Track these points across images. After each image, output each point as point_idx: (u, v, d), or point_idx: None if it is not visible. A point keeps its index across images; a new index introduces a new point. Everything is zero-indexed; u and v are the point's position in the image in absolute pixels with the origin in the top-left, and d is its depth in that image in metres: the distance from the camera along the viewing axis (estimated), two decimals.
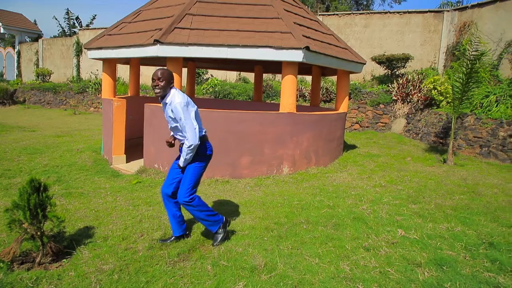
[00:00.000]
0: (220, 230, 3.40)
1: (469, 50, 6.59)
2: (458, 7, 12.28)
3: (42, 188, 3.18)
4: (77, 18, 25.01)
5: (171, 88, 3.14)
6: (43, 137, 9.96)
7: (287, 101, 5.89)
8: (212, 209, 3.38)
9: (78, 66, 22.95)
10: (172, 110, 3.11)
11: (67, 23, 25.52)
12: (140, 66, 8.92)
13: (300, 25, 6.16)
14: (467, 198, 4.91)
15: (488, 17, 10.73)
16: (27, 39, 26.39)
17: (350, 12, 14.03)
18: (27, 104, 20.49)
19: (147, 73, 15.99)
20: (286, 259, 3.04)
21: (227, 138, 5.62)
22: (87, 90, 19.61)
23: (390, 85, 12.11)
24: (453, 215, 4.18)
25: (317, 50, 5.74)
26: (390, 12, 13.22)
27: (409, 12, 12.88)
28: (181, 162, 3.23)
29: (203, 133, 3.32)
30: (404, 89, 11.41)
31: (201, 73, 17.58)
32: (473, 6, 11.19)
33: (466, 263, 3.02)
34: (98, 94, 19.09)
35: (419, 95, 11.02)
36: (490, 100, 8.34)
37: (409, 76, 11.58)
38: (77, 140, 9.63)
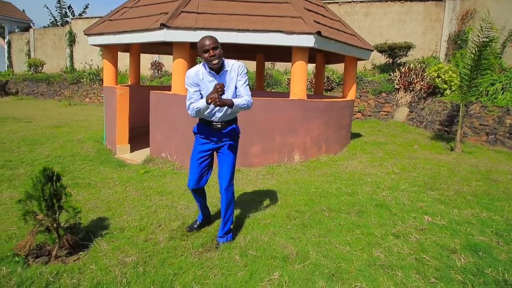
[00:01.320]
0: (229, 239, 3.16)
1: (479, 36, 6.48)
2: None
3: (55, 178, 3.00)
4: (69, 7, 24.41)
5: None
6: (41, 128, 9.68)
7: (298, 88, 5.74)
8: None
9: (71, 56, 22.42)
10: (239, 74, 2.92)
11: (59, 12, 24.89)
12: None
13: (309, 10, 5.98)
14: (484, 184, 4.85)
15: (490, 5, 10.63)
16: (17, 29, 25.70)
17: (351, 0, 13.83)
18: (20, 95, 20.01)
19: (143, 63, 15.67)
20: (316, 248, 2.93)
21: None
22: (82, 80, 19.20)
23: (392, 74, 12.01)
24: (475, 201, 4.11)
25: (328, 35, 5.58)
26: (391, 0, 13.06)
27: (410, 1, 12.74)
28: (236, 101, 2.87)
29: None
30: (407, 77, 11.32)
31: (197, 62, 17.29)
32: None
33: (500, 248, 2.94)
34: (93, 85, 18.71)
35: (422, 83, 10.94)
36: (496, 88, 8.28)
37: (411, 65, 11.47)
38: (76, 131, 9.38)
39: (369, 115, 12.07)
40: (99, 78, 18.61)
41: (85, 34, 6.70)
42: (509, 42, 9.79)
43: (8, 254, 2.87)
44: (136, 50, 8.41)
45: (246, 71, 2.99)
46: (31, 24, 25.44)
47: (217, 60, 2.81)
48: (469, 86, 7.03)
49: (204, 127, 3.10)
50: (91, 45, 6.82)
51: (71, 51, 22.45)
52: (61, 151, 6.84)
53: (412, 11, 12.77)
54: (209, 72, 2.93)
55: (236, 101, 2.86)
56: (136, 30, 5.60)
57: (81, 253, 3.03)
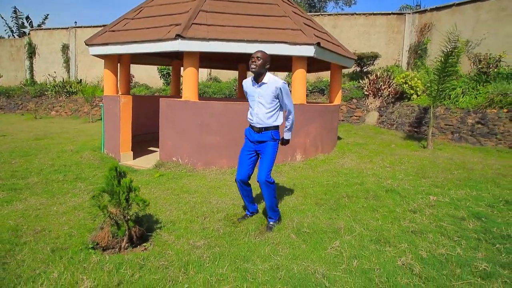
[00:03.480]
0: (278, 220, 3.63)
1: (446, 46, 7.49)
2: (418, 10, 13.55)
3: (122, 174, 3.30)
4: (27, 17, 23.40)
5: (266, 70, 3.39)
6: (21, 141, 9.47)
7: (299, 93, 6.32)
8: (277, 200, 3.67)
9: (31, 68, 21.56)
10: (276, 88, 3.37)
11: (15, 23, 23.78)
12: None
13: (306, 24, 6.63)
14: (464, 172, 5.69)
15: (445, 19, 12.03)
16: None
17: (319, 13, 14.83)
18: None
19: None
20: (355, 224, 3.47)
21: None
22: (46, 93, 18.57)
23: (361, 81, 13.05)
24: (463, 184, 4.88)
25: (324, 46, 6.25)
26: (357, 14, 14.22)
27: (374, 14, 13.96)
28: (287, 136, 3.65)
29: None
30: (375, 84, 12.38)
31: (170, 73, 17.45)
32: (431, 10, 12.47)
33: (496, 215, 3.67)
34: (59, 97, 18.18)
35: (389, 89, 12.03)
36: (457, 92, 9.44)
37: (379, 73, 12.57)
38: (61, 142, 9.28)
39: (342, 120, 12.97)
40: (65, 91, 18.14)
41: (86, 45, 6.86)
42: (463, 52, 11.10)
43: (80, 247, 3.12)
44: (126, 61, 8.58)
45: (287, 89, 3.48)
46: None
47: (254, 67, 3.37)
48: (438, 90, 8.03)
49: (249, 130, 3.61)
50: (93, 55, 6.97)
51: (31, 63, 21.61)
52: (62, 161, 6.87)
53: (376, 24, 14.00)
54: (253, 80, 3.48)
55: (287, 135, 3.73)
56: (147, 40, 5.91)
57: (145, 244, 3.32)
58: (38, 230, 3.55)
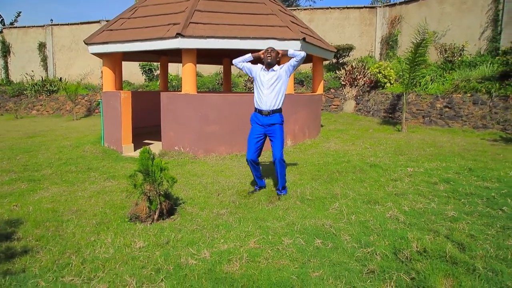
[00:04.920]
0: (286, 192, 4.26)
1: (416, 38, 8.32)
2: (388, 3, 14.47)
3: (152, 156, 3.84)
4: None
5: (277, 61, 4.12)
6: (13, 139, 9.66)
7: (288, 85, 6.94)
8: None
9: (6, 67, 21.12)
10: (285, 65, 4.12)
11: None
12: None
13: (292, 22, 7.25)
14: (435, 149, 6.53)
15: (413, 12, 12.97)
16: None
17: (295, 8, 15.49)
18: None
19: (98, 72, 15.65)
20: (349, 191, 4.17)
21: (242, 118, 6.50)
22: (25, 92, 18.36)
23: (338, 72, 13.85)
24: (434, 158, 5.70)
25: (309, 41, 6.90)
26: (331, 8, 14.98)
27: (348, 8, 14.77)
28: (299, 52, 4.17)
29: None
30: (351, 75, 13.21)
31: (153, 69, 17.72)
32: (401, 3, 13.39)
33: (462, 179, 4.47)
34: (40, 96, 18.04)
35: (364, 79, 12.89)
36: (426, 80, 10.37)
37: (354, 64, 13.41)
38: (55, 139, 9.55)
39: (322, 109, 13.75)
40: (45, 89, 18.02)
41: (85, 44, 7.21)
42: (430, 43, 12.07)
43: (117, 219, 3.65)
44: (118, 59, 8.93)
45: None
46: None
47: (270, 58, 4.11)
48: (410, 78, 8.88)
49: (256, 115, 4.21)
50: (92, 54, 7.33)
51: (6, 62, 21.15)
52: (67, 155, 7.24)
53: (349, 17, 14.81)
54: (263, 68, 4.15)
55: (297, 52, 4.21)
56: (148, 39, 6.36)
57: (173, 216, 3.89)
58: (74, 210, 4.04)
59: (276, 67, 4.18)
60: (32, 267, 2.80)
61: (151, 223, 3.71)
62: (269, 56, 4.10)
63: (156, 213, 3.78)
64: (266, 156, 6.22)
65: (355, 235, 3.01)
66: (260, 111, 4.21)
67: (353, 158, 5.95)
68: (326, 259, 2.63)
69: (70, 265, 2.80)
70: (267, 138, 4.32)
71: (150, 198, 3.78)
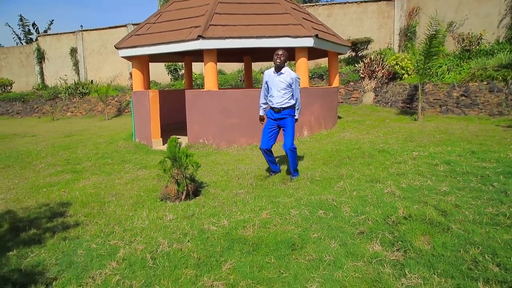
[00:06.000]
0: (298, 176, 4.77)
1: (429, 30, 8.53)
2: None
3: (179, 144, 4.41)
4: (33, 24, 24.40)
5: (285, 64, 4.54)
6: (53, 138, 10.59)
7: (303, 79, 7.40)
8: None
9: (41, 73, 22.58)
10: (291, 79, 4.50)
11: (22, 30, 24.79)
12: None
13: (304, 18, 7.68)
14: (445, 136, 6.79)
15: (431, 3, 13.00)
16: None
17: (313, 4, 15.78)
18: None
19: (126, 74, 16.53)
20: (354, 172, 4.59)
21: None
22: (59, 95, 19.63)
23: (356, 65, 14.07)
24: (441, 143, 6.00)
25: (322, 37, 7.30)
26: (349, 2, 15.18)
27: (365, 1, 14.92)
28: (297, 115, 4.73)
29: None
30: (370, 67, 13.41)
31: (178, 69, 18.51)
32: None
33: (462, 161, 4.78)
34: (73, 99, 19.25)
35: (383, 71, 13.06)
36: (443, 70, 10.49)
37: (372, 56, 13.59)
38: (90, 137, 10.39)
39: (341, 102, 14.04)
40: (78, 92, 19.20)
41: (116, 48, 7.93)
42: (448, 33, 12.11)
43: (149, 199, 4.25)
44: (145, 60, 9.64)
45: (299, 81, 4.72)
46: None
47: (279, 61, 4.52)
48: (424, 69, 9.09)
49: (270, 111, 4.73)
50: (122, 57, 8.04)
51: (41, 68, 22.62)
52: (102, 150, 8.00)
53: (367, 10, 14.96)
54: (274, 71, 4.60)
55: (297, 114, 4.81)
56: (172, 41, 6.98)
57: (198, 197, 4.45)
58: (114, 194, 4.68)
59: (284, 69, 4.55)
60: (84, 235, 3.44)
61: (179, 202, 4.30)
62: (278, 60, 4.48)
63: (184, 194, 4.36)
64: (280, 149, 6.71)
65: (353, 207, 3.46)
66: (272, 108, 4.71)
67: (364, 145, 6.33)
68: (325, 225, 3.11)
69: (114, 233, 3.42)
70: (281, 130, 4.81)
71: (178, 181, 4.37)
